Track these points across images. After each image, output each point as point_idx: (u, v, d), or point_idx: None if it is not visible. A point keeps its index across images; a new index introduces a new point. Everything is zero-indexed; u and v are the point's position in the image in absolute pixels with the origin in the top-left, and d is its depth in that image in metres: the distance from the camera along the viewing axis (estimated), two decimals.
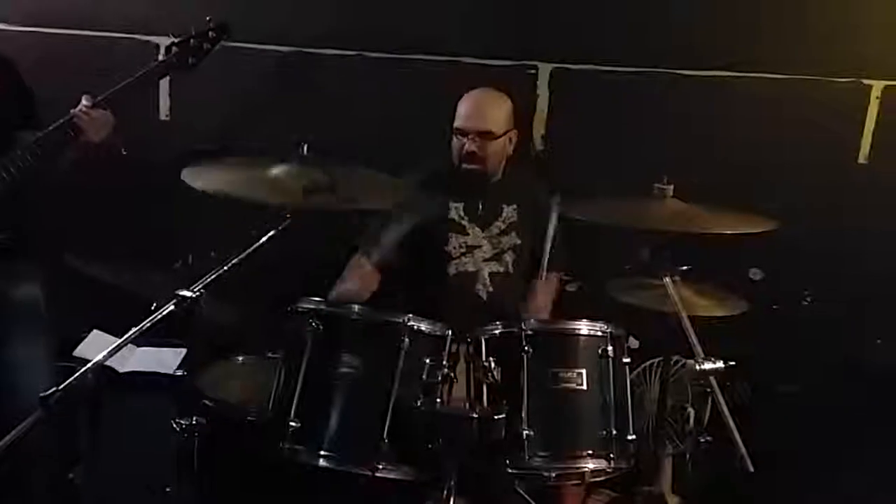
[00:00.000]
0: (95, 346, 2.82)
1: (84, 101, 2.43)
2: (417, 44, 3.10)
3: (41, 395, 1.77)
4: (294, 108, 3.08)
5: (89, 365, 1.85)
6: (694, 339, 1.93)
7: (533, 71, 3.13)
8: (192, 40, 2.50)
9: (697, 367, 1.89)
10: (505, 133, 2.75)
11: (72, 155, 2.45)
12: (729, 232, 2.16)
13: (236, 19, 2.86)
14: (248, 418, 2.53)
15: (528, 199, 2.82)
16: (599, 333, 2.16)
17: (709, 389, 1.87)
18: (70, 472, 2.53)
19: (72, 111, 2.40)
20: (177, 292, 1.96)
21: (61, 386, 1.77)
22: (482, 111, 2.71)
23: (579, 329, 2.17)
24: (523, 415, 2.07)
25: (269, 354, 2.87)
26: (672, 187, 2.22)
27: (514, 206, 2.80)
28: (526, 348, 2.11)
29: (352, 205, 2.26)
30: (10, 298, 2.50)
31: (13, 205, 2.45)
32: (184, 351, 2.81)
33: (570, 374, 2.10)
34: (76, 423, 2.63)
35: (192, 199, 2.96)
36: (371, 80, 3.12)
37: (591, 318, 2.20)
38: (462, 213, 2.76)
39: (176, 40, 2.51)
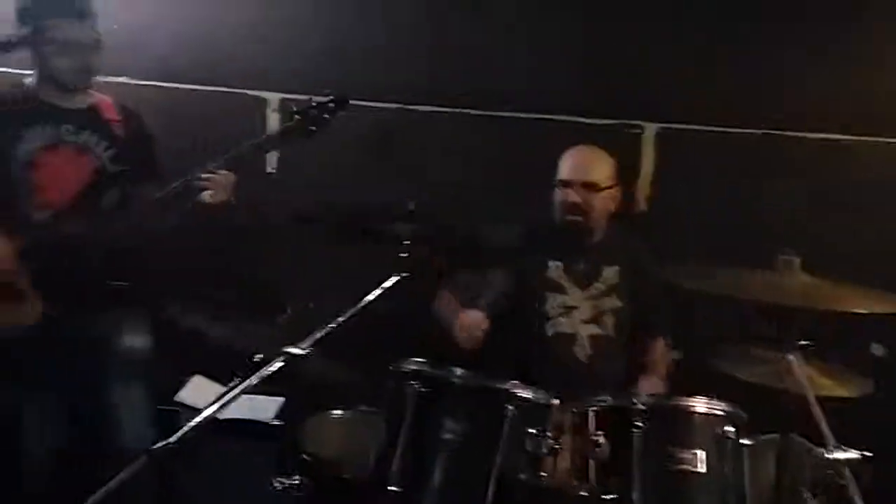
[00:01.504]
0: (197, 392, 2.87)
1: (210, 165, 2.46)
2: (519, 102, 3.09)
3: (150, 448, 1.77)
4: (396, 163, 3.11)
5: (202, 417, 1.84)
6: (823, 423, 1.81)
7: (638, 130, 3.08)
8: (313, 110, 2.53)
9: (828, 455, 1.76)
10: (609, 187, 2.70)
11: (191, 212, 2.49)
12: (863, 311, 2.03)
13: (340, 76, 2.92)
14: (344, 475, 2.52)
15: (630, 261, 2.74)
16: (719, 413, 2.05)
17: (841, 481, 1.74)
18: None
19: (197, 173, 2.44)
20: (286, 349, 1.95)
21: (173, 438, 1.77)
22: (587, 163, 2.68)
23: (697, 407, 2.07)
24: (635, 495, 1.97)
25: (363, 408, 2.88)
26: (799, 260, 2.10)
27: (616, 268, 2.72)
28: (638, 424, 2.02)
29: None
30: (118, 345, 2.55)
31: (128, 255, 2.51)
32: (281, 400, 2.83)
33: (687, 454, 1.98)
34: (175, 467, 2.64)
35: (296, 251, 3.08)
36: (472, 138, 3.12)
37: (693, 391, 2.10)
38: (561, 272, 2.70)
39: (297, 108, 2.55)
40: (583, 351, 2.66)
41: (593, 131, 3.01)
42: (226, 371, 2.83)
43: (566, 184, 2.67)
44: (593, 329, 2.67)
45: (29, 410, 2.48)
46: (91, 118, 2.51)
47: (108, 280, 2.47)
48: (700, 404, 2.07)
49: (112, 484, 1.81)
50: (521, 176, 3.03)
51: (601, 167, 2.69)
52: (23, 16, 2.44)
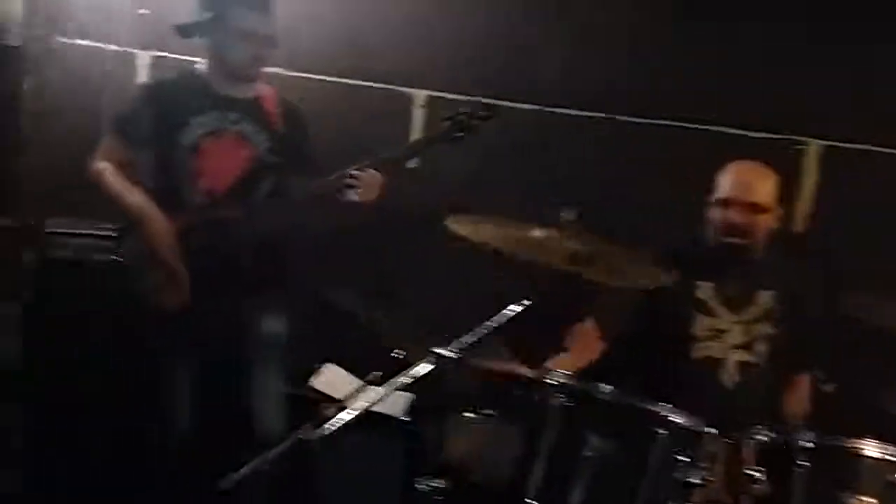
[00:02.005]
0: (330, 379, 2.90)
1: (361, 164, 2.48)
2: (675, 109, 2.97)
3: (301, 437, 1.79)
4: (543, 167, 3.05)
5: (356, 412, 1.85)
6: None
7: (801, 147, 2.91)
8: (463, 117, 2.52)
9: None
10: (771, 209, 2.55)
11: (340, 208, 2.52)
12: None
13: (487, 74, 2.88)
14: (474, 480, 2.49)
15: (788, 286, 2.58)
16: (892, 458, 1.90)
17: None
18: None
19: (346, 172, 2.46)
20: (435, 350, 1.93)
21: (328, 428, 1.78)
22: (751, 183, 2.53)
23: (867, 450, 1.93)
24: None
25: (486, 412, 2.84)
26: None
27: (772, 293, 2.57)
28: (801, 462, 1.89)
29: (614, 280, 2.16)
30: (260, 329, 2.60)
31: (276, 244, 2.55)
32: (411, 396, 2.82)
33: (855, 502, 1.85)
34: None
35: (437, 246, 3.06)
36: (621, 145, 3.02)
37: (850, 430, 1.96)
38: (712, 294, 2.57)
39: (448, 115, 2.54)
40: (729, 378, 2.53)
41: (754, 145, 2.86)
42: (358, 361, 2.91)
43: (728, 202, 2.52)
44: (743, 355, 2.53)
45: (173, 385, 2.56)
46: (254, 109, 2.57)
47: (256, 266, 2.52)
48: (872, 447, 1.93)
49: (256, 463, 1.84)
50: (674, 188, 2.91)
51: (766, 186, 2.55)
52: (206, 2, 2.51)
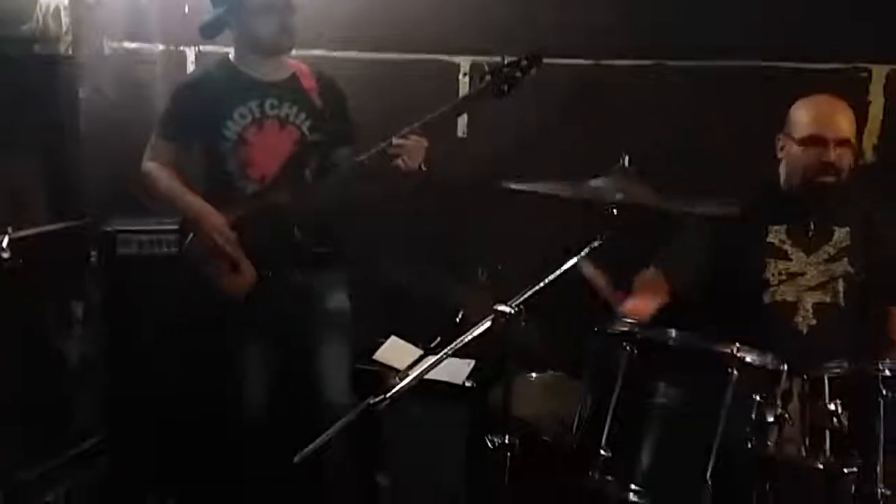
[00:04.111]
0: (393, 352, 2.92)
1: (404, 130, 2.46)
2: (727, 48, 2.85)
3: (371, 402, 1.80)
4: (592, 122, 2.98)
5: (413, 378, 1.85)
6: None
7: (865, 74, 2.77)
8: (505, 69, 2.46)
9: None
10: (854, 143, 2.42)
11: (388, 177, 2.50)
12: None
13: (531, 35, 2.82)
14: (543, 438, 2.47)
15: (861, 219, 2.45)
16: None
17: None
18: (377, 476, 2.60)
19: (392, 138, 2.45)
20: (495, 307, 1.91)
21: (389, 394, 1.79)
22: (837, 117, 2.39)
23: None
24: (878, 470, 1.77)
25: (552, 372, 2.82)
26: None
27: (847, 229, 2.44)
28: (884, 392, 1.81)
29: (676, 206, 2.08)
30: (325, 307, 2.63)
31: (331, 219, 2.57)
32: (472, 362, 2.82)
33: None
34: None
35: (490, 212, 3.05)
36: (678, 91, 2.92)
37: None
38: (784, 237, 2.45)
39: (490, 68, 2.48)
40: (805, 321, 2.41)
41: (815, 78, 2.73)
42: (420, 332, 2.92)
43: (815, 140, 2.37)
44: (819, 296, 2.42)
45: (246, 365, 2.61)
46: (291, 89, 2.58)
47: (314, 246, 2.54)
48: None
49: (330, 433, 1.86)
50: (735, 133, 2.80)
51: (848, 120, 2.39)
52: None
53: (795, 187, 2.42)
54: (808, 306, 2.42)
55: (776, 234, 2.45)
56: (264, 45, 2.54)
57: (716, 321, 2.45)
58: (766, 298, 2.44)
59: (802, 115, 2.41)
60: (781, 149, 2.45)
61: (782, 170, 2.46)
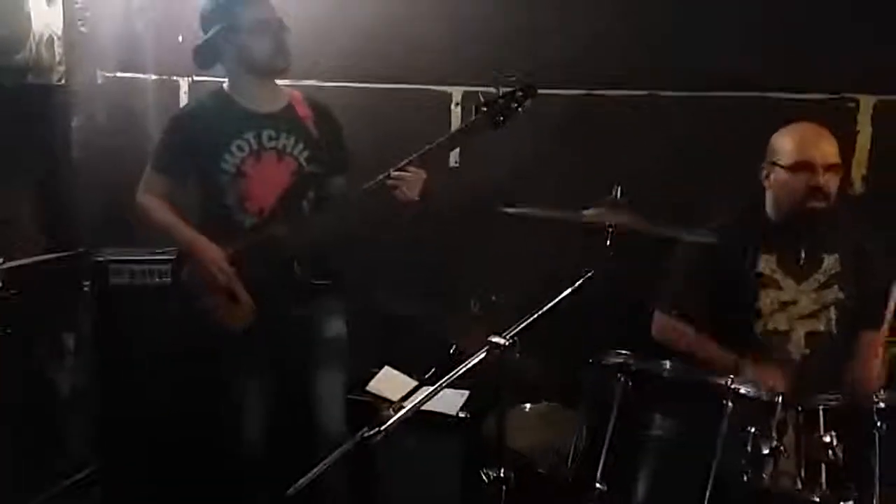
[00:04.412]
0: (387, 383, 2.90)
1: (403, 163, 2.45)
2: (719, 80, 2.89)
3: (365, 434, 1.79)
4: (582, 150, 3.00)
5: (408, 409, 1.84)
6: None
7: (853, 104, 2.80)
8: (500, 100, 2.47)
9: None
10: (841, 169, 2.43)
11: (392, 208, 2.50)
12: None
13: (524, 66, 2.84)
14: (539, 470, 2.46)
15: (850, 246, 2.47)
16: None
17: None
18: None
19: (388, 172, 2.45)
20: (490, 339, 1.91)
21: (384, 427, 1.78)
22: (823, 143, 2.40)
23: None
24: (875, 502, 1.78)
25: (546, 403, 2.81)
26: None
27: (836, 255, 2.47)
28: (879, 425, 1.82)
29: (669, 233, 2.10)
30: (322, 336, 2.62)
31: (328, 250, 2.57)
32: (466, 393, 2.81)
33: None
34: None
35: (483, 243, 3.06)
36: (667, 121, 2.95)
37: None
38: (775, 266, 2.46)
39: (484, 100, 2.49)
40: (797, 350, 2.43)
41: (804, 108, 2.76)
42: (413, 363, 2.91)
43: (803, 166, 2.38)
44: (812, 325, 2.43)
45: (241, 395, 2.59)
46: (287, 120, 2.57)
47: (312, 277, 2.53)
48: None
49: (324, 465, 1.85)
50: (725, 160, 2.83)
51: (833, 145, 2.41)
52: (208, 18, 2.52)
53: (784, 214, 2.44)
54: (801, 335, 2.44)
55: (767, 264, 2.46)
56: (259, 66, 2.52)
57: None
58: (758, 328, 2.45)
59: (787, 143, 2.42)
60: (766, 177, 2.47)
61: (769, 199, 2.48)
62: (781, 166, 2.41)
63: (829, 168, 2.38)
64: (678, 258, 2.52)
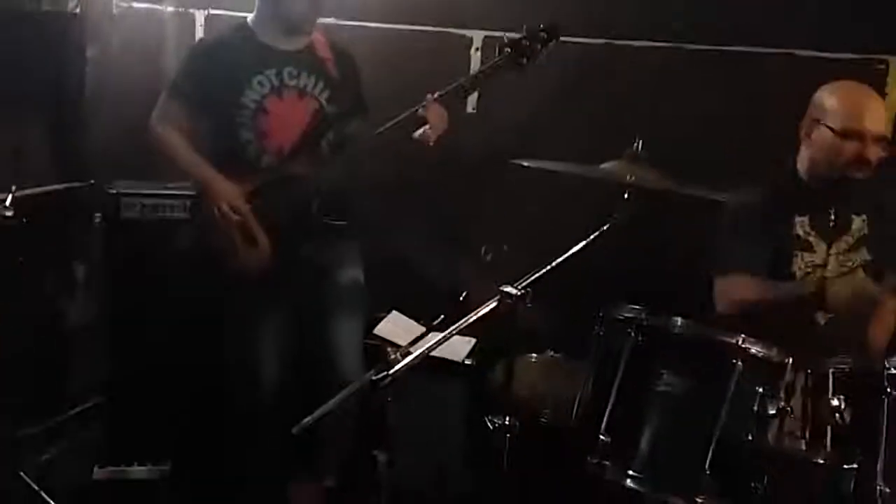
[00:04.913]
0: (394, 327, 2.90)
1: (429, 97, 2.41)
2: (746, 35, 2.81)
3: (373, 377, 1.79)
4: (602, 102, 2.95)
5: (418, 354, 1.84)
6: None
7: (882, 66, 2.73)
8: (524, 41, 2.41)
9: None
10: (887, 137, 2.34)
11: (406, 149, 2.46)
12: None
13: (545, 13, 2.78)
14: (541, 419, 2.47)
15: (878, 207, 2.39)
16: None
17: None
18: (374, 450, 2.59)
19: (418, 108, 2.40)
20: (501, 289, 1.89)
21: (392, 371, 1.78)
22: (876, 112, 2.29)
23: None
24: (880, 467, 1.77)
25: (552, 354, 2.82)
26: None
27: (864, 217, 2.38)
28: (889, 390, 1.80)
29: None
30: (339, 280, 2.59)
31: (346, 192, 2.54)
32: (473, 340, 2.81)
33: None
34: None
35: (496, 191, 3.03)
36: (691, 75, 2.88)
37: None
38: (808, 228, 2.37)
39: (508, 41, 2.44)
40: (823, 313, 2.34)
41: (833, 68, 2.69)
42: (421, 308, 2.91)
43: (853, 133, 2.26)
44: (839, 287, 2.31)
45: (255, 336, 2.57)
46: (308, 60, 2.52)
47: (330, 218, 2.51)
48: None
49: (331, 404, 1.85)
50: (749, 119, 2.77)
51: (884, 116, 2.30)
52: None
53: (821, 176, 2.34)
54: (829, 297, 2.31)
55: (801, 226, 2.36)
56: (293, 24, 2.48)
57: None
58: None
59: (838, 105, 2.29)
60: (807, 135, 2.34)
61: (805, 155, 2.36)
62: (829, 127, 2.28)
63: (878, 139, 2.27)
64: (725, 220, 2.41)
